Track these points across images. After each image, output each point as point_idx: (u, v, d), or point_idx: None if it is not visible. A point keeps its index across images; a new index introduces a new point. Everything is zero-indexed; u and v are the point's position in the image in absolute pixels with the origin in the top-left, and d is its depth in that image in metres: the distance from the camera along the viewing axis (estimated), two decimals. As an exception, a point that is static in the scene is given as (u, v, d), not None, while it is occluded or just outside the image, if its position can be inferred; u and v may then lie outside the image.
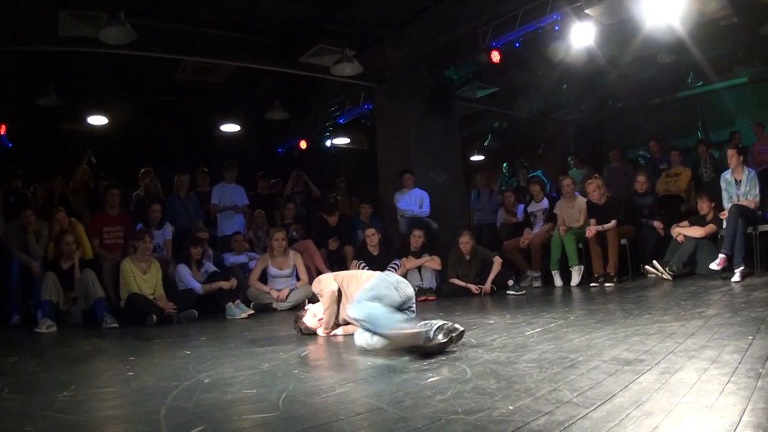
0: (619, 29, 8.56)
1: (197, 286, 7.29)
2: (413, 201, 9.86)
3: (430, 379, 2.91)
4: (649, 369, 2.78)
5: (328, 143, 14.40)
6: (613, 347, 3.43)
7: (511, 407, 2.29)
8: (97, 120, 11.93)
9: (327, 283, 4.80)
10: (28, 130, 12.02)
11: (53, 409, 2.69)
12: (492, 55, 9.21)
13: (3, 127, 10.58)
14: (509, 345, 3.79)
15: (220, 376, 3.34)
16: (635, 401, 2.26)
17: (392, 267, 8.12)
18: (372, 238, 8.53)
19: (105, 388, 3.30)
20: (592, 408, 2.21)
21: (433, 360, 3.44)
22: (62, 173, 9.40)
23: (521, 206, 9.99)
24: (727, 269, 6.94)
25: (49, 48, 8.53)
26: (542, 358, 3.27)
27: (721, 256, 6.90)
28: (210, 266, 7.78)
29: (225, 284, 7.40)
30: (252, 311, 7.27)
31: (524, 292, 7.94)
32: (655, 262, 7.71)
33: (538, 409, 2.24)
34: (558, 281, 8.28)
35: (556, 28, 8.55)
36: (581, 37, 8.17)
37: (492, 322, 5.12)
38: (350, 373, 3.28)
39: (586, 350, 3.40)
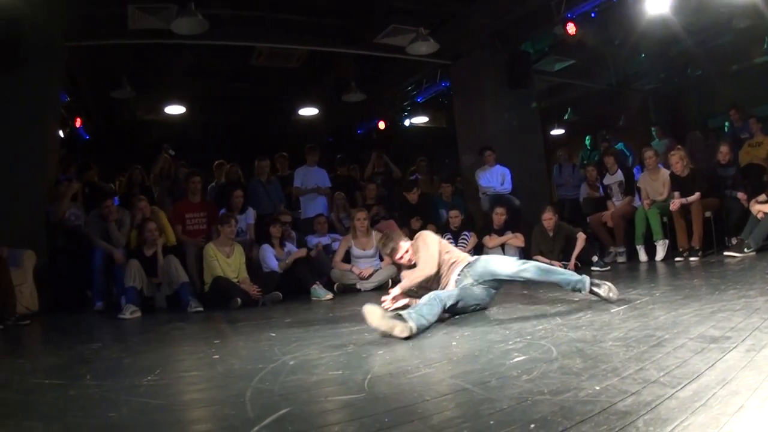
0: None
1: (275, 265, 7.42)
2: (495, 178, 9.75)
3: (516, 359, 2.87)
4: (735, 346, 2.69)
5: (407, 122, 14.42)
6: (699, 324, 3.32)
7: (597, 387, 2.24)
8: (174, 109, 12.27)
9: (429, 257, 4.84)
10: (104, 123, 12.43)
11: (137, 394, 2.71)
12: (567, 27, 8.97)
13: (78, 120, 10.95)
14: (595, 323, 3.70)
15: (306, 357, 3.37)
16: (721, 380, 2.19)
17: (463, 241, 8.07)
18: (455, 219, 8.50)
19: (190, 372, 3.37)
20: (679, 387, 2.14)
21: (518, 339, 3.40)
22: (141, 163, 9.74)
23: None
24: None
25: (120, 42, 8.82)
26: (628, 336, 3.18)
27: None
28: (293, 248, 7.91)
29: (297, 253, 7.57)
30: (331, 295, 7.27)
31: (609, 267, 7.77)
32: (731, 248, 7.37)
33: (624, 389, 2.18)
34: (643, 256, 8.08)
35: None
36: (657, 3, 7.89)
37: (577, 299, 4.98)
38: (435, 353, 3.24)
39: (672, 328, 3.30)
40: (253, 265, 7.52)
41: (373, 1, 9.59)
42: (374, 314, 3.71)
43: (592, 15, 8.93)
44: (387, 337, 3.67)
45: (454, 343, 3.47)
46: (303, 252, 7.67)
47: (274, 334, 4.47)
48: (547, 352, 2.96)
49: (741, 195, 7.95)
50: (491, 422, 1.98)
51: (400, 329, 3.60)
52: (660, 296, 4.71)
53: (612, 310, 4.14)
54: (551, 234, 8.11)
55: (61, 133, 9.41)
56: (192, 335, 5.23)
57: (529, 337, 3.44)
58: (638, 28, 9.03)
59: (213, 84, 12.02)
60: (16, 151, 7.35)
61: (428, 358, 3.09)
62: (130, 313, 6.31)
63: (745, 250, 7.08)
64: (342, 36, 10.23)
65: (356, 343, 3.68)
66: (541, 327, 3.73)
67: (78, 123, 11.07)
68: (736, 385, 2.12)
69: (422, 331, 3.80)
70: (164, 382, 3.00)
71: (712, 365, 2.41)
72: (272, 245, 7.69)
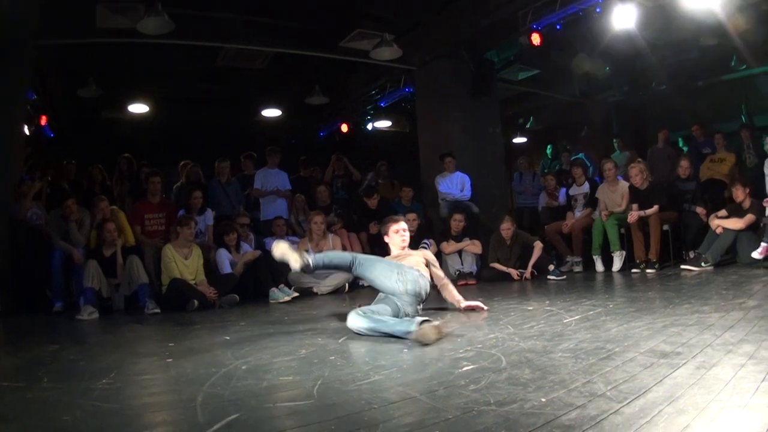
0: (661, 12, 8.38)
1: (228, 268, 7.40)
2: (455, 184, 9.81)
3: (465, 368, 2.91)
4: (685, 363, 2.74)
5: (369, 126, 14.42)
6: (650, 338, 3.39)
7: (543, 399, 2.28)
8: (138, 108, 12.11)
9: None
10: (69, 121, 12.25)
11: (91, 398, 2.74)
12: (532, 38, 9.08)
13: (43, 118, 10.79)
14: (546, 333, 3.77)
15: (258, 362, 3.38)
16: (669, 397, 2.23)
17: (424, 245, 8.12)
18: (412, 222, 8.51)
19: (143, 375, 3.35)
20: (625, 403, 2.18)
21: (469, 347, 3.45)
22: (103, 162, 9.59)
23: (563, 190, 9.84)
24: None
25: (87, 40, 8.71)
26: (578, 347, 3.25)
27: (764, 245, 6.72)
28: (248, 248, 7.89)
29: (249, 255, 7.57)
30: (296, 294, 7.31)
31: (565, 277, 7.87)
32: (688, 262, 7.49)
33: (570, 402, 2.23)
34: (599, 266, 8.20)
35: (598, 10, 8.41)
36: (623, 19, 8.01)
37: (531, 308, 5.09)
38: (385, 360, 3.26)
39: (624, 341, 3.36)
40: (211, 267, 7.46)
41: (343, 6, 9.58)
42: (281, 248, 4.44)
43: (557, 27, 9.02)
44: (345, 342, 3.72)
45: (405, 350, 3.50)
46: (255, 254, 7.62)
47: (228, 338, 4.48)
48: (496, 361, 3.01)
49: (700, 209, 8.09)
50: (435, 432, 2.02)
51: (294, 258, 4.31)
52: (613, 308, 4.79)
53: (564, 321, 4.22)
54: (508, 242, 8.20)
55: (26, 131, 9.25)
56: (147, 338, 5.19)
57: (479, 346, 3.49)
58: (603, 41, 9.17)
59: (178, 84, 11.90)
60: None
61: (378, 366, 3.11)
62: (88, 314, 6.23)
63: (702, 264, 7.20)
64: (308, 39, 10.21)
65: (308, 348, 3.70)
66: (492, 336, 3.78)
67: (43, 121, 10.85)
68: (683, 403, 2.16)
69: (317, 267, 4.47)
70: (118, 386, 3.01)
71: (660, 381, 2.46)
72: (228, 250, 7.64)
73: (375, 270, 4.57)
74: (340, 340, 3.97)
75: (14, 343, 5.28)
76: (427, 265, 4.99)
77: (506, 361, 2.99)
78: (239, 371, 3.13)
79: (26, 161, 8.75)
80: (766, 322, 3.60)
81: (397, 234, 5.08)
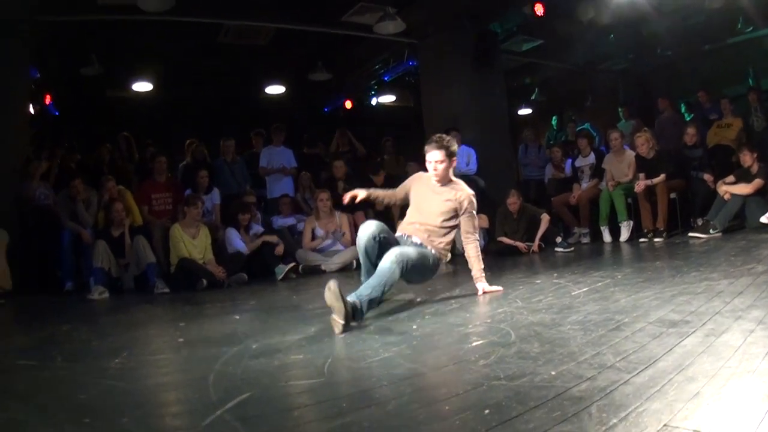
0: None
1: (242, 246, 7.41)
2: (460, 158, 9.70)
3: (474, 343, 2.92)
4: (694, 331, 2.74)
5: (373, 101, 14.32)
6: (659, 308, 3.38)
7: (553, 372, 2.29)
8: (142, 86, 12.04)
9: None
10: (73, 100, 12.17)
11: (105, 377, 2.77)
12: (536, 8, 8.96)
13: (48, 96, 10.76)
14: (555, 306, 3.77)
15: (268, 341, 3.40)
16: (678, 366, 2.23)
17: None
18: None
19: (156, 355, 3.39)
20: (635, 373, 2.19)
21: (478, 322, 3.47)
22: (110, 141, 9.57)
23: (569, 161, 9.80)
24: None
25: (88, 17, 8.64)
26: (587, 320, 3.24)
27: None
28: (258, 228, 7.91)
29: (268, 238, 7.54)
30: (293, 264, 7.37)
31: (572, 249, 7.86)
32: (696, 229, 7.44)
33: (580, 374, 2.23)
34: (607, 237, 8.19)
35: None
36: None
37: (539, 281, 5.09)
38: (395, 337, 3.27)
39: (632, 311, 3.36)
40: (219, 247, 7.48)
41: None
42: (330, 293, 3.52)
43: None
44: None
45: (414, 327, 3.51)
46: (273, 238, 7.61)
47: (238, 317, 4.52)
48: (505, 336, 3.01)
49: (707, 176, 8.04)
50: (446, 407, 2.04)
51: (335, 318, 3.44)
52: (622, 278, 4.77)
53: (573, 293, 4.21)
54: (515, 216, 8.18)
55: (31, 110, 9.23)
56: (158, 317, 5.25)
57: (488, 321, 3.51)
58: (608, 7, 9.01)
59: (181, 61, 11.78)
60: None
61: (388, 342, 3.12)
62: (99, 294, 6.30)
63: (711, 231, 7.18)
64: (310, 14, 10.10)
65: (317, 326, 3.71)
66: (501, 310, 3.79)
67: (48, 99, 10.83)
68: (692, 371, 2.15)
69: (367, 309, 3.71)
70: (131, 366, 3.03)
71: (670, 350, 2.46)
72: (237, 229, 7.65)
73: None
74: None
75: (27, 322, 5.34)
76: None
77: (515, 335, 2.99)
78: (250, 350, 3.14)
79: (32, 141, 8.73)
80: (775, 287, 3.58)
81: (429, 164, 4.65)
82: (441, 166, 4.57)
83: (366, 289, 3.75)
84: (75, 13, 8.51)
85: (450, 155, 4.59)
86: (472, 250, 4.62)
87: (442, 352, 2.84)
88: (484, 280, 4.63)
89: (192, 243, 6.97)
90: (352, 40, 11.26)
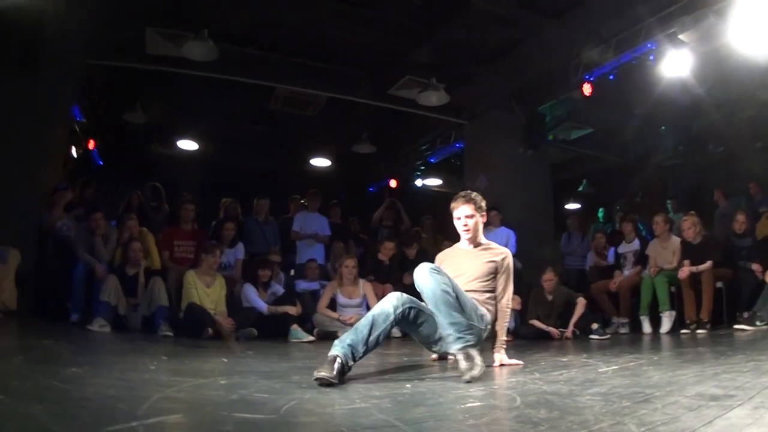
0: (713, 60, 7.88)
1: (263, 306, 7.08)
2: (499, 239, 9.33)
3: (469, 404, 2.51)
4: (740, 404, 2.30)
5: (419, 183, 14.16)
6: (698, 384, 2.91)
7: None
8: (187, 145, 12.16)
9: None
10: (117, 150, 12.31)
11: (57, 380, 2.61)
12: (584, 88, 8.77)
13: (91, 142, 10.85)
14: (576, 379, 3.30)
15: (240, 380, 3.06)
16: None
17: None
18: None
19: (117, 374, 3.10)
20: None
21: (482, 387, 3.02)
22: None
23: (612, 249, 9.34)
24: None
25: (137, 66, 8.74)
26: (611, 392, 2.77)
27: None
28: (278, 288, 7.61)
29: (291, 309, 7.15)
30: (312, 338, 6.94)
31: (609, 336, 7.34)
32: (742, 321, 6.86)
33: None
34: (647, 327, 7.62)
35: (651, 57, 8.10)
36: (676, 66, 7.65)
37: (566, 359, 4.62)
38: (380, 391, 2.83)
39: (666, 386, 2.88)
40: (234, 301, 7.22)
41: (393, 53, 9.51)
42: None
43: (611, 77, 8.72)
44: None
45: (408, 385, 3.07)
46: (296, 310, 7.23)
47: (225, 360, 4.33)
48: (509, 401, 2.59)
49: (756, 266, 7.47)
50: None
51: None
52: (658, 359, 4.35)
53: (600, 370, 3.74)
54: (550, 297, 7.69)
55: (74, 152, 9.29)
56: (145, 350, 4.93)
57: (495, 387, 3.09)
58: (657, 94, 8.76)
59: (230, 124, 12.00)
60: (19, 151, 7.30)
61: (369, 395, 2.68)
62: (99, 326, 6.09)
63: (757, 323, 6.61)
64: (357, 85, 10.21)
65: (303, 375, 3.29)
66: (513, 379, 3.37)
67: (91, 145, 10.93)
68: None
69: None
70: (86, 377, 2.86)
71: (710, 422, 2.04)
72: (256, 286, 7.36)
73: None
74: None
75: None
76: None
77: (521, 401, 2.53)
78: (214, 384, 2.83)
79: (68, 175, 8.78)
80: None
81: (458, 222, 4.29)
82: (471, 222, 4.24)
83: (353, 334, 3.27)
84: (123, 59, 8.66)
85: (479, 209, 4.27)
86: (501, 318, 4.20)
87: (427, 409, 2.40)
88: (503, 351, 4.17)
89: (205, 291, 6.74)
90: (399, 116, 11.22)
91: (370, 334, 3.27)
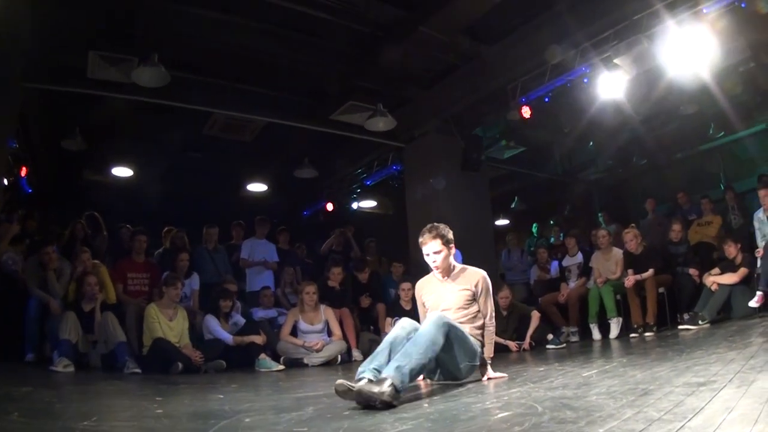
0: (644, 81, 8.45)
1: (227, 337, 6.99)
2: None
3: (500, 415, 2.65)
4: (725, 386, 2.70)
5: (354, 206, 14.25)
6: (678, 376, 3.26)
7: (600, 430, 2.06)
8: (122, 172, 11.82)
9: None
10: (49, 177, 11.76)
11: None
12: (522, 111, 9.11)
13: (24, 169, 10.31)
14: (570, 384, 3.52)
15: (262, 416, 3.04)
16: (726, 408, 2.20)
17: None
18: (407, 292, 8.22)
19: (132, 422, 3.01)
20: (687, 420, 2.06)
21: (495, 400, 3.19)
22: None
23: (555, 263, 9.75)
24: (765, 307, 6.90)
25: (77, 90, 8.38)
26: (611, 391, 3.01)
27: (759, 293, 6.84)
28: (240, 318, 7.53)
29: (257, 338, 7.11)
30: (282, 366, 6.96)
31: (565, 345, 7.72)
32: (685, 322, 7.37)
33: (629, 428, 2.04)
34: (596, 334, 8.08)
35: (585, 80, 8.49)
36: (610, 88, 8.07)
37: (542, 369, 4.83)
38: (408, 413, 2.90)
39: (653, 381, 3.20)
40: (196, 333, 7.11)
41: (332, 79, 9.61)
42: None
43: (546, 100, 9.11)
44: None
45: (425, 405, 3.18)
46: (261, 339, 7.19)
47: (222, 396, 4.12)
48: (530, 408, 2.73)
49: (693, 271, 8.13)
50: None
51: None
52: (628, 361, 4.59)
53: (584, 375, 3.98)
54: (505, 313, 7.97)
55: (5, 181, 8.85)
56: (130, 391, 4.80)
57: (506, 398, 3.23)
58: (589, 114, 9.23)
59: (164, 150, 11.60)
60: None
61: (401, 418, 2.77)
62: (63, 366, 5.77)
63: (700, 322, 7.13)
64: (298, 111, 10.20)
65: (315, 406, 3.33)
66: (515, 390, 3.52)
67: (23, 172, 10.40)
68: (742, 410, 2.14)
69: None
70: (103, 428, 2.68)
71: (710, 401, 2.39)
72: (217, 316, 7.27)
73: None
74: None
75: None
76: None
77: (542, 407, 2.70)
78: (243, 423, 2.79)
79: (4, 208, 8.31)
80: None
81: (428, 258, 4.36)
82: (440, 257, 4.31)
83: (404, 358, 3.33)
84: (63, 83, 8.27)
85: (447, 243, 4.33)
86: (487, 335, 4.35)
87: (467, 424, 2.50)
88: (489, 367, 4.32)
89: (168, 325, 6.59)
90: (338, 141, 11.30)
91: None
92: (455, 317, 4.16)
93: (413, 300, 8.11)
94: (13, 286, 6.95)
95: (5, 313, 6.76)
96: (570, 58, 8.31)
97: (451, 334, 3.77)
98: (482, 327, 4.36)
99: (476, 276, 4.39)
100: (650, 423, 2.07)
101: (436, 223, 4.43)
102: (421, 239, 4.33)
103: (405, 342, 3.57)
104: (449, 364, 4.04)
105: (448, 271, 4.41)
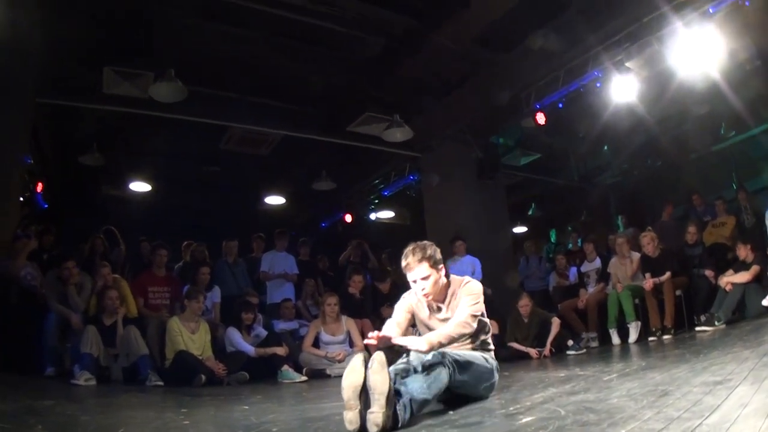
0: (655, 83, 8.43)
1: (250, 349, 7.03)
2: (465, 268, 9.58)
3: (524, 420, 2.70)
4: (740, 384, 2.78)
5: (372, 216, 14.30)
6: (696, 376, 3.34)
7: (623, 431, 2.14)
8: (140, 187, 11.92)
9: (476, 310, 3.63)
10: (66, 192, 11.81)
11: None
12: (537, 117, 9.15)
13: (39, 184, 10.40)
14: (591, 389, 3.55)
15: (290, 427, 3.09)
16: (741, 404, 2.28)
17: None
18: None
19: (161, 433, 3.05)
20: (704, 417, 2.15)
21: (517, 405, 3.21)
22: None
23: (573, 269, 9.72)
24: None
25: (93, 106, 8.53)
26: (631, 393, 3.09)
27: None
28: (261, 330, 7.56)
29: (280, 350, 7.14)
30: (305, 377, 6.98)
31: (585, 350, 7.70)
32: (702, 323, 7.28)
33: (650, 428, 2.12)
34: (616, 339, 8.01)
35: (598, 85, 8.55)
36: (623, 92, 8.10)
37: (563, 375, 4.84)
38: (433, 420, 2.93)
39: (672, 382, 3.27)
40: (218, 346, 7.16)
41: (348, 90, 9.70)
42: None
43: (560, 106, 9.14)
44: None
45: (451, 412, 3.18)
46: (283, 350, 7.21)
47: (247, 407, 4.17)
48: (553, 413, 2.77)
49: (709, 272, 8.09)
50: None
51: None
52: (647, 364, 4.65)
53: (604, 379, 4.02)
54: (526, 320, 7.98)
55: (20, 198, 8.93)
56: (154, 403, 4.83)
57: (528, 403, 3.26)
58: (603, 118, 9.20)
59: (182, 165, 11.78)
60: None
61: (429, 425, 2.81)
62: (85, 380, 5.75)
63: (716, 323, 7.11)
64: (315, 123, 10.29)
65: (342, 416, 3.27)
66: (537, 395, 3.55)
67: (39, 188, 10.43)
68: (755, 405, 2.24)
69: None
70: None
71: (726, 398, 2.47)
72: (239, 329, 7.32)
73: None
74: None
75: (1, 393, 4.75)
76: None
77: (564, 411, 2.74)
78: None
79: (20, 222, 8.33)
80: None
81: (415, 285, 3.66)
82: (429, 283, 3.61)
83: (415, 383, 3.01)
84: (78, 99, 8.39)
85: (435, 264, 3.64)
86: (444, 328, 3.54)
87: (493, 430, 2.57)
88: (420, 343, 3.34)
89: (191, 338, 6.64)
90: (355, 153, 11.37)
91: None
92: (453, 345, 3.57)
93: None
94: (33, 300, 6.94)
95: (24, 328, 6.71)
96: (582, 64, 8.35)
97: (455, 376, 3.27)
98: (489, 333, 3.89)
99: (460, 287, 3.73)
100: (670, 422, 2.13)
101: (420, 242, 3.73)
102: (404, 263, 3.64)
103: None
104: (469, 393, 3.52)
105: (439, 296, 3.74)
